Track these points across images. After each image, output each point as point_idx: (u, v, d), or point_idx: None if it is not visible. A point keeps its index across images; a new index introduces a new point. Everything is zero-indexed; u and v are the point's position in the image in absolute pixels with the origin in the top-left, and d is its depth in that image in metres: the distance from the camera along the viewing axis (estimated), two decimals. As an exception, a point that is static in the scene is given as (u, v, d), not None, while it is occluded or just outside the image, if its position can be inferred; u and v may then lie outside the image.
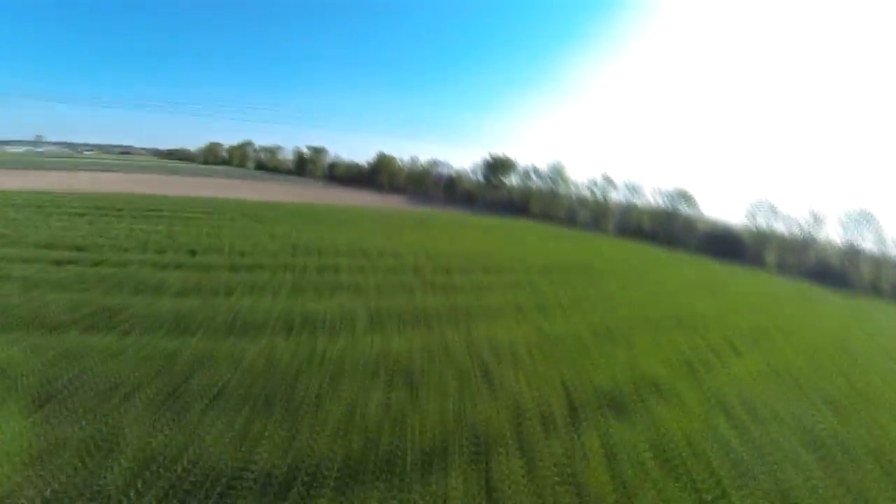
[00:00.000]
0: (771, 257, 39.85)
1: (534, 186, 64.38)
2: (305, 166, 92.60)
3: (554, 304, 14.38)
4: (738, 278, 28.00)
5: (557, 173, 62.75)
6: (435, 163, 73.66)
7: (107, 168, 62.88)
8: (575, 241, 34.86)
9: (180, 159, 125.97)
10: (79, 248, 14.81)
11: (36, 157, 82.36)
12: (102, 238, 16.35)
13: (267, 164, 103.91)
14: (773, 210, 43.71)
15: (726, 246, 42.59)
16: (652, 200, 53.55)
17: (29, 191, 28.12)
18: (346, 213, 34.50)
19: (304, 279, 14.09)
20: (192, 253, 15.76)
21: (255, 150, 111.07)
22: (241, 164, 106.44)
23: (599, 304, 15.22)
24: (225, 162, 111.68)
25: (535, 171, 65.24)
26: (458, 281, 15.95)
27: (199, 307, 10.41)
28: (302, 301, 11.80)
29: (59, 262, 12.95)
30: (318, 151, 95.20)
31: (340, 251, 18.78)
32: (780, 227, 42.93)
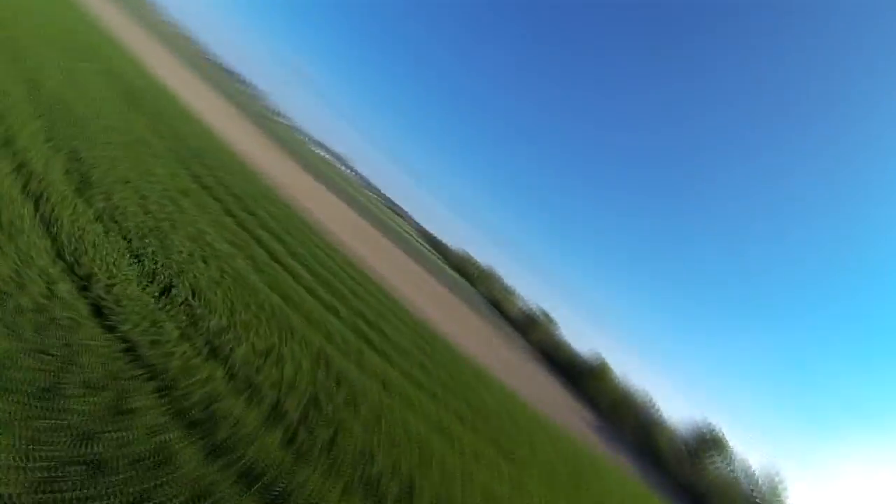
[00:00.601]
0: None
1: (735, 486, 55.59)
2: (530, 327, 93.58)
3: None
4: None
5: (772, 489, 54.66)
6: (648, 401, 69.13)
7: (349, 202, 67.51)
8: None
9: (435, 248, 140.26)
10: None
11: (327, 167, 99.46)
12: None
13: (498, 303, 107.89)
14: None
15: None
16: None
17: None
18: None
19: None
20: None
21: (498, 284, 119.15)
22: (478, 288, 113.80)
23: None
24: (468, 277, 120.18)
25: (747, 471, 57.66)
26: None
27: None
28: None
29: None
30: (549, 320, 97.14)
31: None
32: None
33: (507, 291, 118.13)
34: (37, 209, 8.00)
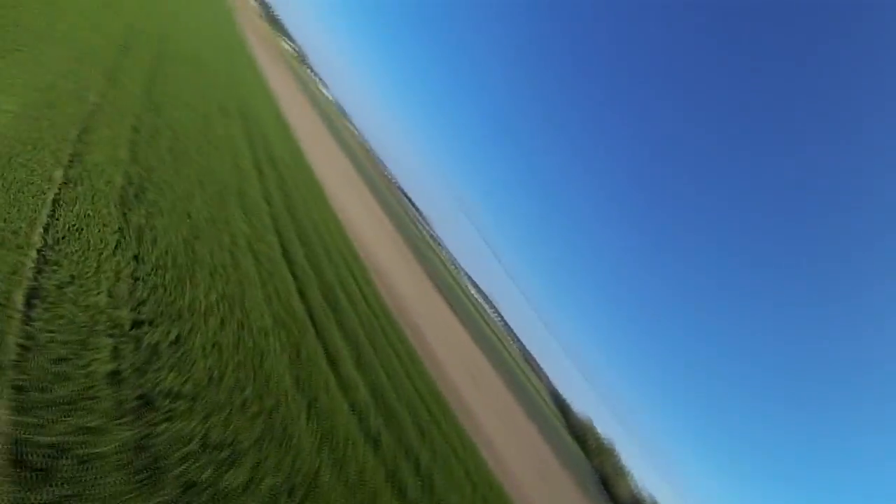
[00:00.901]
0: None
1: None
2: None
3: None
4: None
5: None
6: None
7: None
8: None
9: (560, 409, 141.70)
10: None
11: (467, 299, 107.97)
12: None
13: (608, 481, 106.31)
14: None
15: None
16: None
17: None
18: None
19: None
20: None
21: (614, 461, 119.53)
22: (592, 461, 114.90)
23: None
24: (584, 447, 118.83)
25: None
26: None
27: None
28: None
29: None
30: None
31: None
32: None
33: (622, 471, 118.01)
34: (59, 191, 8.01)
